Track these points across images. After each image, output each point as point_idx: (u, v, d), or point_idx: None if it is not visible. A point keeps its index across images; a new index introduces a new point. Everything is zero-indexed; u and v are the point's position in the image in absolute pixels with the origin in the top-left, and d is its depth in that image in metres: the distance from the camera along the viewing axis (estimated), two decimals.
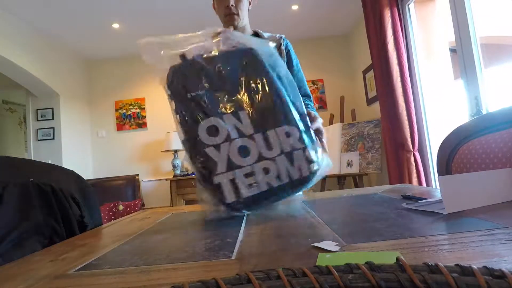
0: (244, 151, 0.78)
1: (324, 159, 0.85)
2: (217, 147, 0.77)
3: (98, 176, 4.05)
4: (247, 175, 0.76)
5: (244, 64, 0.86)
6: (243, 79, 0.85)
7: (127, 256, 0.45)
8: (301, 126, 0.83)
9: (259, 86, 0.85)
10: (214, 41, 0.88)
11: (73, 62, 4.01)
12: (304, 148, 0.80)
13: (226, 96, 0.83)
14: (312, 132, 0.85)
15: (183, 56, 0.85)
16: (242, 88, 0.84)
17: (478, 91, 1.91)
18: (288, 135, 0.80)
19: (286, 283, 0.21)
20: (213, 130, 0.79)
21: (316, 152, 0.82)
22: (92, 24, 3.33)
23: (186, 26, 3.54)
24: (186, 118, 0.82)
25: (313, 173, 0.81)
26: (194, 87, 0.83)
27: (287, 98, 0.85)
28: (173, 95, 0.84)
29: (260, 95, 0.84)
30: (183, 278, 0.34)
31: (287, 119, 0.82)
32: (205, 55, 0.85)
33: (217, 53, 0.86)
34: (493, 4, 2.51)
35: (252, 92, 0.84)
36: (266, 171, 0.77)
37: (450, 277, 0.20)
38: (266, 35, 1.26)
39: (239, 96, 0.83)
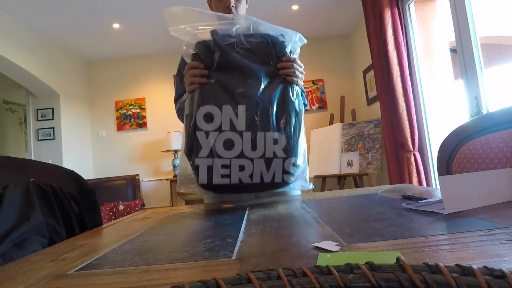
0: (229, 144, 0.80)
1: (302, 181, 0.89)
2: (207, 133, 0.80)
3: (98, 176, 4.05)
4: (223, 166, 0.80)
5: (269, 59, 0.86)
6: (264, 74, 0.85)
7: (127, 256, 0.45)
8: (292, 136, 0.84)
9: (276, 87, 0.85)
10: (242, 26, 0.88)
11: (73, 62, 4.01)
12: (285, 158, 0.83)
13: (236, 85, 0.83)
14: (299, 146, 0.86)
15: (214, 33, 0.85)
16: (256, 84, 0.84)
17: (478, 91, 1.91)
18: (275, 141, 0.82)
19: (286, 283, 0.21)
20: (209, 117, 0.81)
21: (295, 165, 0.84)
22: (92, 24, 3.34)
23: None
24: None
25: (285, 181, 0.84)
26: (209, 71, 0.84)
27: (296, 107, 0.86)
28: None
29: (271, 96, 0.84)
30: (184, 278, 0.34)
31: (283, 126, 0.83)
32: (233, 40, 0.85)
33: (246, 44, 0.85)
34: (493, 4, 2.51)
35: (264, 93, 0.84)
36: (241, 168, 0.81)
37: (451, 277, 0.20)
38: None
39: (249, 90, 0.83)
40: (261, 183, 0.82)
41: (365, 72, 3.70)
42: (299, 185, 0.89)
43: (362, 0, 2.91)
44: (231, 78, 0.83)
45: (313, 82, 4.17)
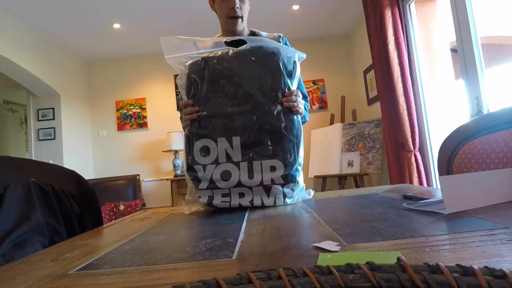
0: (226, 175, 0.82)
1: (300, 196, 0.88)
2: (204, 167, 0.82)
3: (99, 176, 4.05)
4: (223, 195, 0.83)
5: (264, 81, 0.84)
6: (258, 99, 0.83)
7: (128, 256, 0.45)
8: (290, 162, 0.82)
9: (271, 112, 0.83)
10: (235, 50, 0.87)
11: (74, 62, 4.01)
12: (283, 185, 0.82)
13: (228, 114, 0.83)
14: (298, 166, 0.85)
15: (204, 61, 0.86)
16: (250, 111, 0.83)
17: (479, 91, 1.90)
18: (273, 169, 0.81)
19: (286, 283, 0.21)
20: (205, 151, 0.82)
21: (293, 189, 0.84)
22: (92, 24, 3.34)
23: (187, 26, 3.54)
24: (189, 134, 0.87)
25: (285, 202, 0.85)
26: (199, 106, 0.86)
27: (294, 131, 0.84)
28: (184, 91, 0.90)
29: (266, 122, 0.82)
30: (184, 278, 0.34)
31: (280, 153, 0.82)
32: (225, 66, 0.85)
33: (238, 68, 0.84)
34: (494, 4, 2.51)
35: (259, 119, 0.82)
36: (241, 195, 0.82)
37: (451, 277, 0.20)
38: (263, 34, 1.23)
39: (243, 118, 0.83)
40: (262, 205, 0.83)
41: (365, 72, 3.70)
42: (300, 199, 0.89)
43: (362, 0, 2.91)
44: (224, 107, 0.83)
45: (314, 82, 4.17)
